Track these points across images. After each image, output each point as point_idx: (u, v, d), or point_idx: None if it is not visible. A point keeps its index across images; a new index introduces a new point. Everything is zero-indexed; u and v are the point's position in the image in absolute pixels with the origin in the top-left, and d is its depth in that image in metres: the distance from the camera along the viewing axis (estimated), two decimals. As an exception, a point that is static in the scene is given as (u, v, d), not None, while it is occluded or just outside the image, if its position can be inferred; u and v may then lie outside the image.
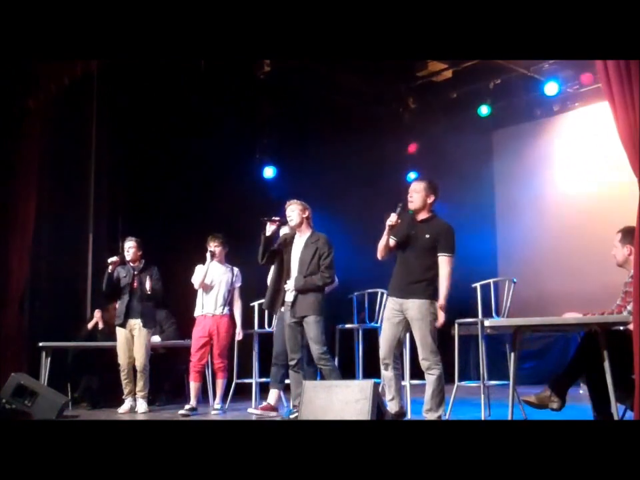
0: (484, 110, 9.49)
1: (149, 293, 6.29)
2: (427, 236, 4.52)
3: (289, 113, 9.03)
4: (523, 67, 8.67)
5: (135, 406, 6.29)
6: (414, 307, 4.47)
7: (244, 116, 8.76)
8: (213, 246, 6.25)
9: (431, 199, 4.59)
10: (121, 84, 7.80)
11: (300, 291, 5.11)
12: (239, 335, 6.33)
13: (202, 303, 6.27)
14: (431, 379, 4.45)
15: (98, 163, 8.36)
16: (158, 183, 8.43)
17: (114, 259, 6.29)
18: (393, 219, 4.50)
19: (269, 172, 9.39)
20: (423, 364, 4.48)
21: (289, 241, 5.34)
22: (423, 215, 4.60)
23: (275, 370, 5.68)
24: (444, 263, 4.47)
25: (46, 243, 7.15)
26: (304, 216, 5.28)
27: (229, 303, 6.30)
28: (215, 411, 6.15)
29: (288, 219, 5.30)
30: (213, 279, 6.25)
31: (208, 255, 6.20)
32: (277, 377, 5.68)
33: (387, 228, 4.53)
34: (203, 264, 6.25)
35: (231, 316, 6.33)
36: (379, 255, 4.65)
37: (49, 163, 7.15)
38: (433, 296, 4.49)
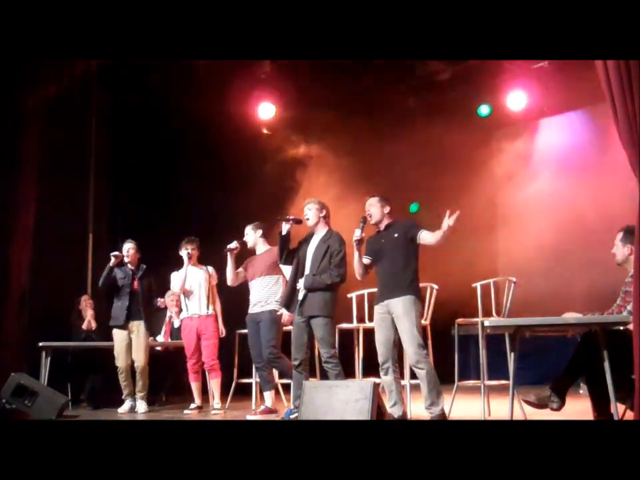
0: (484, 110, 9.48)
1: (159, 305, 6.48)
2: (396, 235, 4.74)
3: (288, 114, 9.03)
4: (523, 66, 8.66)
5: (135, 406, 6.29)
6: (398, 304, 4.58)
7: (244, 116, 8.76)
8: (191, 249, 6.32)
9: (387, 209, 4.86)
10: (120, 84, 7.80)
11: (309, 289, 5.08)
12: (221, 333, 6.41)
13: (186, 305, 6.37)
14: (422, 374, 4.50)
15: (98, 162, 8.37)
16: (158, 183, 8.43)
17: (117, 253, 6.32)
18: (357, 234, 4.75)
19: (268, 171, 9.39)
20: (411, 358, 4.53)
21: (307, 240, 5.33)
22: (384, 223, 4.85)
23: (259, 373, 5.77)
24: (427, 234, 4.62)
25: (46, 243, 7.14)
26: (321, 215, 5.26)
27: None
28: (215, 410, 6.14)
29: (305, 217, 5.28)
30: (192, 282, 6.34)
31: (186, 258, 6.26)
32: (264, 378, 5.73)
33: (354, 244, 4.75)
34: (177, 270, 6.37)
35: (216, 315, 6.39)
36: (357, 275, 4.90)
37: (49, 163, 7.14)
38: (417, 293, 4.63)
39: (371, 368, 6.07)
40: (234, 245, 5.84)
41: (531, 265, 9.38)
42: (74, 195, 7.97)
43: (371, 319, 5.98)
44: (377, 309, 4.75)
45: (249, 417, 5.56)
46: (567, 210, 9.39)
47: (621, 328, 4.02)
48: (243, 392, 6.74)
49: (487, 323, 4.20)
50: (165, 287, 6.85)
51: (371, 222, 4.85)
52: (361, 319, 6.04)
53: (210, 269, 6.41)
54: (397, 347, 4.69)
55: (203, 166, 8.73)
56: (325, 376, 5.21)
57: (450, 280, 6.80)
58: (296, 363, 5.16)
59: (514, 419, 4.26)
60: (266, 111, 9.06)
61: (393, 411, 4.60)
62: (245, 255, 6.11)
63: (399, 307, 4.56)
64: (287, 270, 5.58)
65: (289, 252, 5.30)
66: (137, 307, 6.34)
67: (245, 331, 6.56)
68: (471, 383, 5.70)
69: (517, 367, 4.26)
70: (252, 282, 5.89)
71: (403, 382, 4.86)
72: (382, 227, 4.84)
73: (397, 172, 9.78)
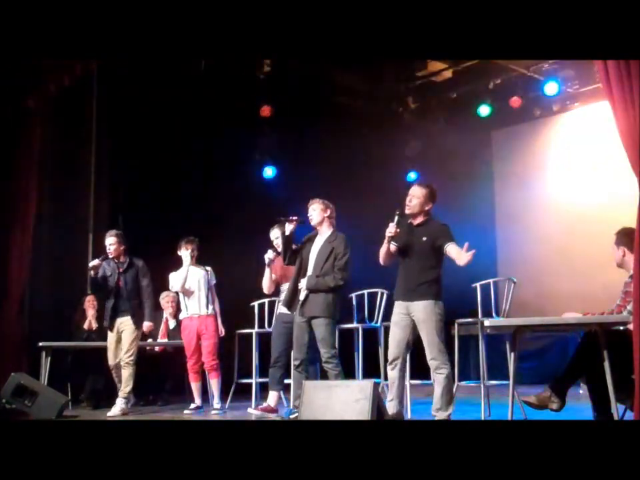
0: (484, 110, 9.48)
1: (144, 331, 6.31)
2: (424, 239, 4.57)
3: (289, 113, 9.03)
4: (523, 66, 8.66)
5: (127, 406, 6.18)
6: (419, 309, 4.49)
7: (244, 116, 8.76)
8: (190, 249, 6.25)
9: (428, 206, 4.65)
10: (121, 84, 7.80)
11: (311, 290, 5.05)
12: (220, 332, 6.36)
13: (185, 306, 6.31)
14: (439, 378, 4.46)
15: (98, 162, 8.36)
16: (158, 183, 8.43)
17: (94, 263, 6.09)
18: (391, 229, 4.55)
19: (268, 172, 9.40)
20: (432, 364, 4.47)
21: (311, 239, 5.29)
22: (419, 219, 4.66)
23: (273, 371, 5.64)
24: (453, 249, 4.48)
25: (46, 243, 7.14)
26: (325, 215, 5.20)
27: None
28: (215, 410, 6.14)
29: (309, 217, 5.23)
30: (191, 282, 6.28)
31: (188, 258, 6.22)
32: (276, 379, 5.65)
33: (386, 238, 4.58)
34: (176, 270, 6.33)
35: (216, 315, 6.33)
36: (382, 262, 4.71)
37: (49, 163, 7.15)
38: (438, 296, 4.52)
39: (371, 368, 6.08)
40: (272, 254, 5.69)
41: (531, 264, 9.39)
42: (74, 194, 7.97)
43: (371, 319, 6.00)
44: (397, 306, 4.64)
45: (250, 411, 5.56)
46: (567, 210, 9.40)
47: (621, 328, 4.02)
48: (243, 392, 6.73)
49: (487, 323, 4.19)
50: (164, 287, 6.85)
51: (407, 211, 4.65)
52: (361, 319, 6.05)
53: (209, 269, 6.39)
54: (409, 349, 4.63)
55: (203, 166, 8.73)
56: (324, 376, 5.20)
57: (450, 280, 6.81)
58: (296, 362, 5.14)
59: (514, 419, 4.26)
60: (265, 111, 9.06)
61: (389, 406, 4.54)
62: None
63: (420, 312, 4.49)
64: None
65: (292, 252, 5.27)
66: (123, 304, 6.16)
67: (246, 331, 6.58)
68: (471, 383, 5.70)
69: (516, 366, 4.26)
70: (284, 285, 5.77)
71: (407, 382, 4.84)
72: (416, 222, 4.66)
73: (397, 171, 9.79)
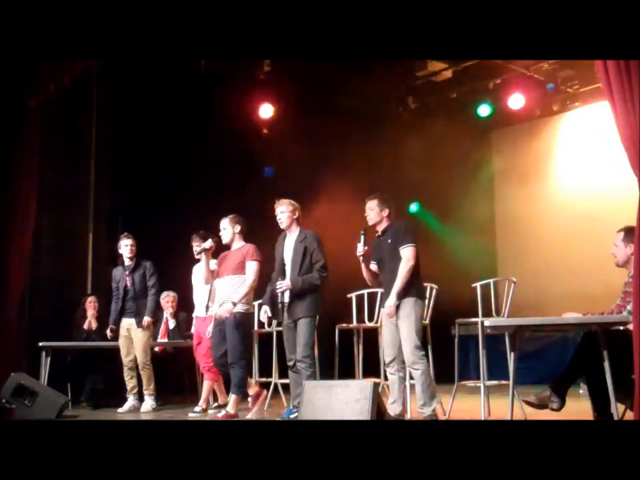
0: (484, 110, 9.49)
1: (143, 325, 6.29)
2: (389, 241, 4.74)
3: (288, 113, 9.03)
4: (523, 67, 8.67)
5: (137, 405, 6.26)
6: (401, 306, 4.63)
7: (243, 116, 8.76)
8: (197, 244, 6.03)
9: (385, 212, 4.81)
10: (121, 84, 7.80)
11: (297, 291, 5.07)
12: None
13: (195, 304, 6.29)
14: (417, 374, 4.56)
15: (98, 162, 8.36)
16: (158, 183, 8.42)
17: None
18: (360, 249, 4.76)
19: (269, 171, 9.39)
20: (408, 359, 4.58)
21: (280, 243, 5.32)
22: (382, 227, 4.83)
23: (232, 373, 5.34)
24: (403, 254, 4.64)
25: (46, 243, 7.14)
26: (294, 217, 5.23)
27: None
28: (194, 414, 5.89)
29: (278, 220, 5.24)
30: (195, 279, 6.22)
31: (198, 254, 6.09)
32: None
33: (359, 259, 4.78)
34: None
35: None
36: (370, 284, 4.97)
37: (49, 163, 7.14)
38: (418, 294, 4.66)
39: (371, 368, 6.08)
40: (209, 244, 5.58)
41: (530, 265, 9.40)
42: (74, 194, 7.97)
43: (370, 319, 6.00)
44: (383, 310, 4.78)
45: (249, 416, 5.55)
46: (568, 210, 9.40)
47: (621, 328, 4.02)
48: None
49: (487, 323, 4.19)
50: (172, 285, 6.84)
51: (369, 223, 4.85)
52: (361, 319, 6.04)
53: None
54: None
55: (203, 166, 8.73)
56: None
57: (450, 280, 6.81)
58: (290, 363, 5.14)
59: (514, 418, 4.26)
60: (266, 111, 9.07)
61: (391, 408, 4.66)
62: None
63: (401, 309, 4.62)
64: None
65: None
66: (129, 305, 6.31)
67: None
68: (471, 383, 5.71)
69: (516, 366, 4.26)
70: (219, 280, 5.62)
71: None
72: (380, 230, 4.83)
73: (397, 172, 9.79)
